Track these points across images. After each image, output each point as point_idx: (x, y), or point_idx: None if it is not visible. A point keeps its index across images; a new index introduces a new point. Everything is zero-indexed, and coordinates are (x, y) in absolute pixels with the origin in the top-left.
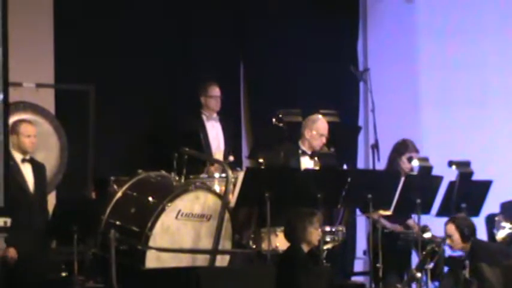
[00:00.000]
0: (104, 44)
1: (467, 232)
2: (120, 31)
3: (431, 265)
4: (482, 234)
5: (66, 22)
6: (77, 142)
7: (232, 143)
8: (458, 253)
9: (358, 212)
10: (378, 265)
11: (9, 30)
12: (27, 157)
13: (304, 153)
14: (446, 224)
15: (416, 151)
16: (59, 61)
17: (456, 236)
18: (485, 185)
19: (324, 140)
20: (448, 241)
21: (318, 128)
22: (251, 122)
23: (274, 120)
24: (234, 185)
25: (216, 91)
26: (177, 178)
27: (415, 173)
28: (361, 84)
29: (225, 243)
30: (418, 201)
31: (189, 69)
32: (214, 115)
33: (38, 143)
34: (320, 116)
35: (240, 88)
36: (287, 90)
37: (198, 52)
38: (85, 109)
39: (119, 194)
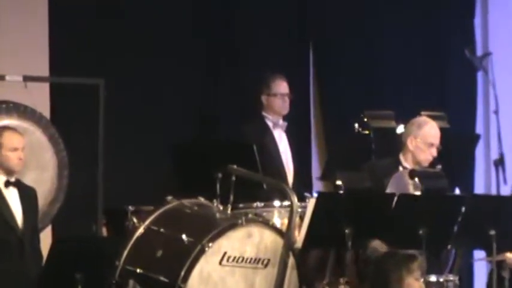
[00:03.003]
0: (116, 25)
1: None
2: (138, 4)
3: None
4: None
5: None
6: (82, 157)
7: (300, 160)
8: None
9: (476, 254)
10: None
11: None
12: (13, 179)
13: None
14: None
15: None
16: (56, 48)
17: None
18: None
19: (434, 152)
20: None
21: (425, 136)
22: (324, 130)
23: (356, 126)
24: (301, 218)
25: (283, 87)
26: (221, 208)
27: None
28: (480, 75)
29: None
30: None
31: (240, 60)
32: (281, 121)
33: (28, 159)
34: (429, 119)
35: (309, 85)
36: (373, 85)
37: (250, 36)
38: (92, 112)
39: (140, 231)
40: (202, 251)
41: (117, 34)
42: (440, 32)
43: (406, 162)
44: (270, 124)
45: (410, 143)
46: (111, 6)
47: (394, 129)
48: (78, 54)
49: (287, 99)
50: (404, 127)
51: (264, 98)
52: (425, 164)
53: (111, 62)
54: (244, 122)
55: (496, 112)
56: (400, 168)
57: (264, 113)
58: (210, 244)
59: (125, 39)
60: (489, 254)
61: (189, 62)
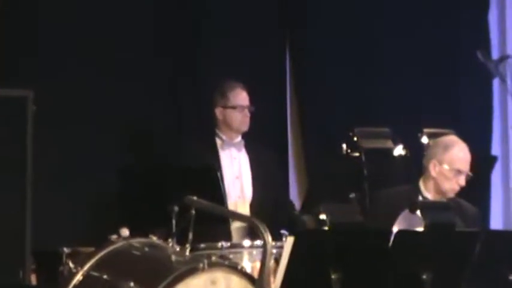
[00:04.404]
0: (51, 29)
1: None
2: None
3: None
4: None
5: None
6: (5, 186)
7: (271, 187)
8: None
9: None
10: None
11: None
12: None
13: None
14: None
15: None
16: None
17: None
18: None
19: (462, 181)
20: None
21: (453, 160)
22: (305, 152)
23: (344, 147)
24: (277, 261)
25: (242, 98)
26: (177, 249)
27: None
28: (496, 83)
29: None
30: None
31: (202, 68)
32: (238, 139)
33: None
34: (457, 139)
35: (285, 96)
36: (366, 97)
37: (216, 40)
38: (18, 130)
39: (78, 278)
40: None
41: (51, 38)
42: (448, 31)
43: (427, 192)
44: (218, 143)
45: (433, 169)
46: (47, 7)
47: (390, 150)
48: (1, 62)
49: (248, 113)
50: (404, 148)
51: (218, 111)
52: (451, 194)
53: (42, 71)
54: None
55: None
56: (420, 198)
57: (216, 130)
58: None
59: (60, 44)
60: None
61: (138, 69)
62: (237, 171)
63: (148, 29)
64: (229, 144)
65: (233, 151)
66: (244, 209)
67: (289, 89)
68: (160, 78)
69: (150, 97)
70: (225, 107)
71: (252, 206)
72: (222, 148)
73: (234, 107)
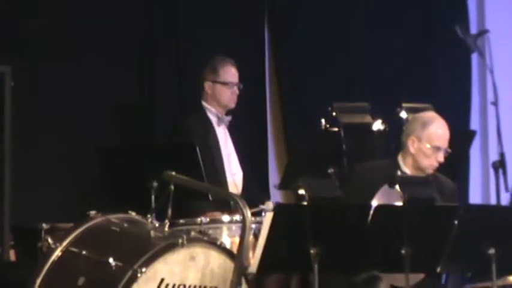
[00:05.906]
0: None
1: None
2: None
3: None
4: None
5: None
6: None
7: (250, 162)
8: None
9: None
10: None
11: None
12: None
13: None
14: None
15: None
16: None
17: None
18: None
19: (440, 157)
20: None
21: (431, 137)
22: (284, 127)
23: (323, 122)
24: (256, 236)
25: (232, 74)
26: (156, 224)
27: None
28: (474, 58)
29: None
30: None
31: (181, 43)
32: (225, 116)
33: None
34: (435, 116)
35: (264, 71)
36: (344, 71)
37: (193, 14)
38: None
39: (57, 254)
40: (133, 278)
41: (29, 12)
42: (426, 6)
43: (406, 167)
44: (213, 119)
45: (412, 145)
46: None
47: (369, 125)
48: None
49: (237, 91)
50: (382, 122)
51: (207, 86)
52: (429, 171)
53: (20, 46)
54: (183, 115)
55: (495, 103)
56: (398, 173)
57: (204, 103)
58: (144, 269)
59: (38, 17)
60: (487, 277)
61: (117, 44)
62: (230, 148)
63: (128, 6)
64: (221, 121)
65: (224, 129)
66: (239, 187)
67: (268, 64)
68: (141, 56)
69: (131, 76)
70: (214, 81)
71: (243, 182)
72: (218, 125)
73: (224, 83)
